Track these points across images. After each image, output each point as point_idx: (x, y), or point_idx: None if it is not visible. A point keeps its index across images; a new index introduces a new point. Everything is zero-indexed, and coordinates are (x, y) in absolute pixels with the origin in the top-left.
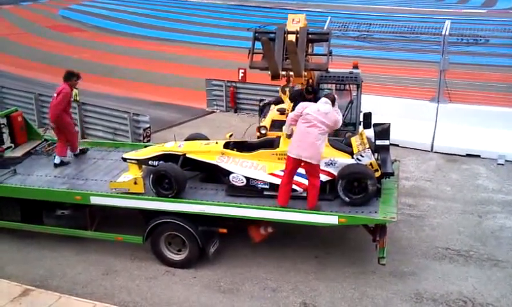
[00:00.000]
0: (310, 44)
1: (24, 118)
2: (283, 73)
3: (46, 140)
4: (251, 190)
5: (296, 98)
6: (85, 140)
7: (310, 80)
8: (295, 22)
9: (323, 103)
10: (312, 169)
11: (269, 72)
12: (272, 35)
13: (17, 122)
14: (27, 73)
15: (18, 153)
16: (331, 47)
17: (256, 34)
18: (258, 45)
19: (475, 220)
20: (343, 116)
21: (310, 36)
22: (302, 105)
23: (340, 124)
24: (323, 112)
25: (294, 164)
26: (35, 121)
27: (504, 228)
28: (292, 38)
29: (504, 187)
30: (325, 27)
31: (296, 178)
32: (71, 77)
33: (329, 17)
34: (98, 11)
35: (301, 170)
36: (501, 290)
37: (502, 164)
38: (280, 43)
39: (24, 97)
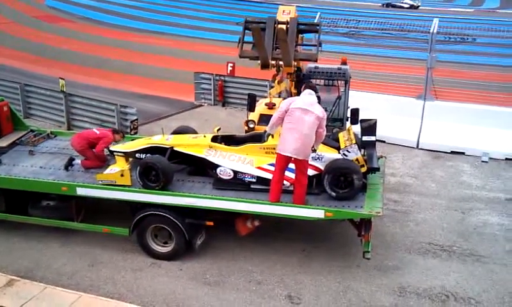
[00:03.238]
0: (299, 35)
1: (9, 107)
2: (273, 62)
3: (32, 130)
4: (238, 184)
5: None
6: (72, 131)
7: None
8: (285, 13)
9: (307, 95)
10: (301, 165)
11: (259, 61)
12: (262, 25)
13: (3, 112)
14: (13, 63)
15: (3, 143)
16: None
17: (247, 24)
18: (248, 40)
19: (458, 217)
20: (331, 111)
21: (300, 26)
22: (286, 101)
23: (326, 116)
24: (309, 103)
25: (285, 162)
26: (21, 112)
27: (487, 224)
28: (282, 27)
29: (487, 184)
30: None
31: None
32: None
33: (318, 13)
34: (86, 2)
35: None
36: (482, 284)
37: (486, 162)
38: (270, 33)
39: (9, 87)
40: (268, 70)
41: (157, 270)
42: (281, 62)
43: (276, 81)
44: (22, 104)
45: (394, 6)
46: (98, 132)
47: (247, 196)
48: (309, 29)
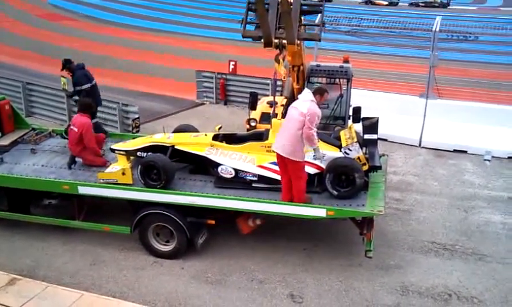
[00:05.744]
0: (302, 16)
1: (11, 106)
2: (276, 41)
3: (33, 129)
4: (239, 182)
5: None
6: None
7: (301, 67)
8: None
9: (304, 93)
10: (294, 167)
11: (262, 40)
12: (266, 6)
13: (4, 110)
14: (16, 62)
15: (5, 141)
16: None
17: (250, 5)
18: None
19: (461, 215)
20: (332, 109)
21: (303, 6)
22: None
23: (319, 118)
24: (300, 100)
25: (280, 159)
26: (22, 110)
27: (489, 222)
28: None
29: (489, 182)
30: (316, 21)
31: None
32: (90, 108)
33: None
34: (89, 0)
35: None
36: (485, 283)
37: (489, 160)
38: (274, 12)
39: (11, 85)
40: (271, 49)
41: (159, 269)
42: (284, 41)
43: (281, 58)
44: (24, 102)
45: (373, 3)
46: (76, 129)
47: (248, 194)
48: (313, 10)
